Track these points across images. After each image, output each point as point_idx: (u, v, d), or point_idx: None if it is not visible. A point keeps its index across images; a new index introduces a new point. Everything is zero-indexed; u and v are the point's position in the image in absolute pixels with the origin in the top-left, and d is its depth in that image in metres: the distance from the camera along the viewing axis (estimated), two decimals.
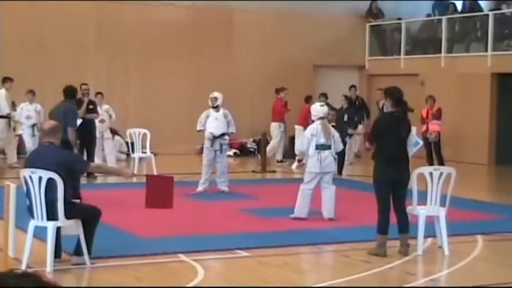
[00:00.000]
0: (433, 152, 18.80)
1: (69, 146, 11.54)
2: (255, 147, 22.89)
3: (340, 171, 17.89)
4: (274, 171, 19.07)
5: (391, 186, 9.45)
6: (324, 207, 11.84)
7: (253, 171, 18.98)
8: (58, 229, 8.55)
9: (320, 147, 11.80)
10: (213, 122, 14.62)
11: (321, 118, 12.06)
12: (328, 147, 11.89)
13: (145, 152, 17.68)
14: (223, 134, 14.70)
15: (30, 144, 18.02)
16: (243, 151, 23.09)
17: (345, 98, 21.24)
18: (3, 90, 18.42)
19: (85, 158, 16.37)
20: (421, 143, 15.17)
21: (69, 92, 14.02)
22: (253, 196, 14.46)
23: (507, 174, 19.90)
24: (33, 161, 8.60)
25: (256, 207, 13.02)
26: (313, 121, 12.35)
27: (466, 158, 21.04)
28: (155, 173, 15.80)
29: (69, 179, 8.56)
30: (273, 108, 21.30)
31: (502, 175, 20.23)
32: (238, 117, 18.15)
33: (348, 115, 20.44)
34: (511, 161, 20.65)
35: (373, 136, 9.83)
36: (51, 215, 8.37)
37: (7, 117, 18.40)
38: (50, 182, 8.26)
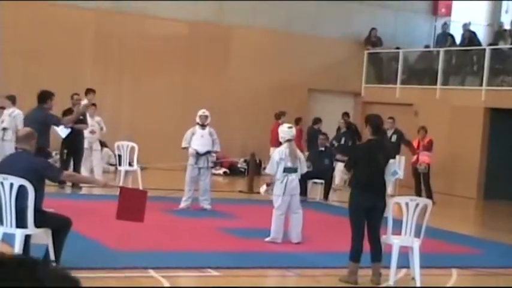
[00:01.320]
0: (422, 183, 18.76)
1: (44, 153, 11.50)
2: (245, 167, 22.81)
3: (326, 196, 17.86)
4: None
5: (366, 213, 9.40)
6: (291, 231, 11.83)
7: (239, 191, 18.93)
8: (27, 237, 8.51)
9: (287, 171, 11.82)
10: (199, 140, 14.61)
11: (289, 140, 12.06)
12: (295, 170, 11.92)
13: (132, 165, 17.62)
14: (208, 152, 14.69)
15: None
16: (233, 170, 23.01)
17: (344, 121, 21.47)
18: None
19: (71, 168, 16.42)
20: (400, 173, 15.11)
21: (41, 97, 13.96)
22: (234, 215, 14.40)
23: (493, 209, 19.85)
24: (6, 167, 8.56)
25: (235, 227, 12.95)
26: (280, 143, 12.37)
27: (456, 191, 21.00)
28: (140, 187, 15.76)
29: (41, 187, 8.52)
30: (271, 134, 20.58)
31: (488, 210, 20.17)
32: (229, 136, 18.18)
33: (345, 138, 20.59)
34: (499, 196, 20.61)
35: (348, 163, 9.82)
36: (21, 223, 8.33)
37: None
38: (21, 189, 8.23)
